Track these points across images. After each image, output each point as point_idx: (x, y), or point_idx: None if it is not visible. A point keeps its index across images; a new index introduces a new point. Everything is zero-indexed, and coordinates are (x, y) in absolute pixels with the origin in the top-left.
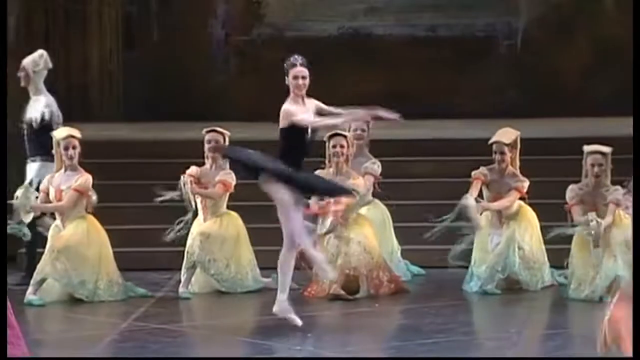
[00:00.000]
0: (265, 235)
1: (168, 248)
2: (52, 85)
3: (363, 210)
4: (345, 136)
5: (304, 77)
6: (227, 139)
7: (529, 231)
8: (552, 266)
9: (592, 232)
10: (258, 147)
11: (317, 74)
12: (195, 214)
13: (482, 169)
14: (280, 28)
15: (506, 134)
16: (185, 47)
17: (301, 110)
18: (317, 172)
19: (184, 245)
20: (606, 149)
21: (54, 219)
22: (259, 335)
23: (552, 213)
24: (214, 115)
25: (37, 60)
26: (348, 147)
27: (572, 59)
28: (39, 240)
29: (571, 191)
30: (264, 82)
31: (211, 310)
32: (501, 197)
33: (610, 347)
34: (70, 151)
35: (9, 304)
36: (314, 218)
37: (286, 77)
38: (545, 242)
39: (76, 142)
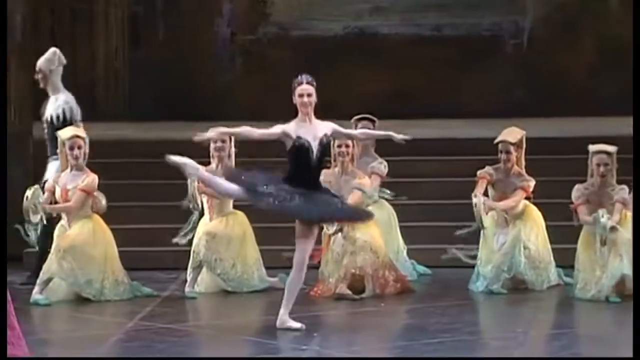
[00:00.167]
0: (272, 234)
1: (174, 247)
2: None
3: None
4: None
5: (309, 95)
6: (232, 139)
7: (534, 231)
8: (557, 266)
9: (603, 228)
10: (262, 146)
11: (322, 73)
12: (202, 214)
13: (488, 169)
14: (286, 27)
15: (512, 134)
16: (190, 46)
17: (306, 131)
18: (324, 171)
19: (190, 244)
20: (612, 149)
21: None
22: (265, 335)
23: (557, 212)
24: (219, 115)
25: (51, 59)
26: (353, 146)
27: (577, 58)
28: (50, 240)
29: (577, 191)
30: (270, 81)
31: (217, 309)
32: (507, 196)
33: None
34: (76, 151)
35: (10, 305)
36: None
37: (293, 97)
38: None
39: (81, 142)
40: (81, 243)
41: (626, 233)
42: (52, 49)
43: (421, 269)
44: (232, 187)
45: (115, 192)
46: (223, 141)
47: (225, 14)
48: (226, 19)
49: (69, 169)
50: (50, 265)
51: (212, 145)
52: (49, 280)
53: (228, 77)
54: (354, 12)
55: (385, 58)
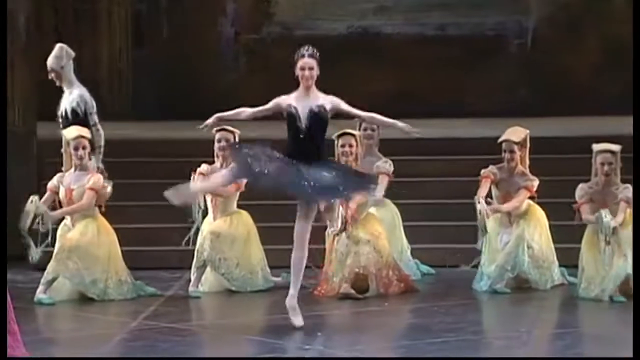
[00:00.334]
0: (276, 234)
1: (178, 247)
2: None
3: (373, 210)
4: (354, 135)
5: (310, 68)
6: (237, 138)
7: (538, 230)
8: (561, 265)
9: (606, 227)
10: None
11: (326, 72)
12: (205, 213)
13: (491, 168)
14: (290, 27)
15: (515, 133)
16: (194, 45)
17: (301, 101)
18: None
19: (194, 244)
20: (615, 148)
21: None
22: (269, 334)
23: (561, 212)
24: None
25: (60, 56)
26: (357, 146)
27: (581, 58)
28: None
29: (581, 190)
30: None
31: (221, 309)
32: (510, 196)
33: None
34: (80, 151)
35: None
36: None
37: (295, 70)
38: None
39: (86, 142)
40: (86, 243)
41: (631, 232)
42: (59, 45)
43: (425, 268)
44: (230, 173)
45: (119, 191)
46: (227, 140)
47: (229, 13)
48: (230, 19)
49: (72, 169)
50: (55, 265)
51: (216, 145)
52: (54, 280)
53: (232, 77)
54: (357, 11)
55: (388, 57)
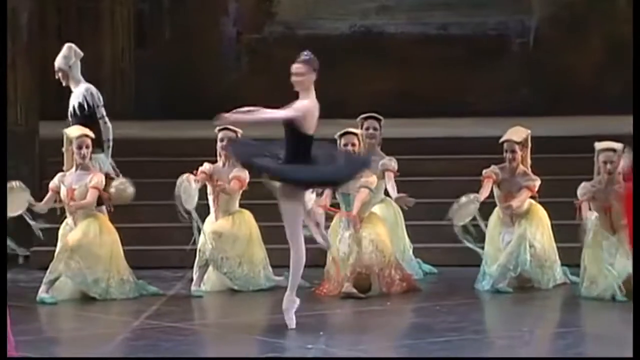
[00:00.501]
0: (278, 233)
1: (180, 246)
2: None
3: (375, 209)
4: (356, 134)
5: (297, 74)
6: (239, 137)
7: (540, 229)
8: (563, 264)
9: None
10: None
11: (328, 72)
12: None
13: (493, 168)
14: (292, 26)
15: (517, 133)
16: (197, 45)
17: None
18: None
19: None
20: (618, 146)
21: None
22: (271, 334)
23: (563, 211)
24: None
25: (68, 55)
26: (359, 144)
27: (584, 57)
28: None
29: (583, 188)
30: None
31: (223, 308)
32: (512, 196)
33: None
34: (83, 150)
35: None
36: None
37: None
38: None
39: (89, 142)
40: (88, 242)
41: None
42: (67, 45)
43: (427, 267)
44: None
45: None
46: (229, 139)
47: (231, 13)
48: (232, 18)
49: (74, 168)
50: (58, 264)
51: (219, 144)
52: (56, 279)
53: (234, 76)
54: (360, 11)
55: (391, 57)
